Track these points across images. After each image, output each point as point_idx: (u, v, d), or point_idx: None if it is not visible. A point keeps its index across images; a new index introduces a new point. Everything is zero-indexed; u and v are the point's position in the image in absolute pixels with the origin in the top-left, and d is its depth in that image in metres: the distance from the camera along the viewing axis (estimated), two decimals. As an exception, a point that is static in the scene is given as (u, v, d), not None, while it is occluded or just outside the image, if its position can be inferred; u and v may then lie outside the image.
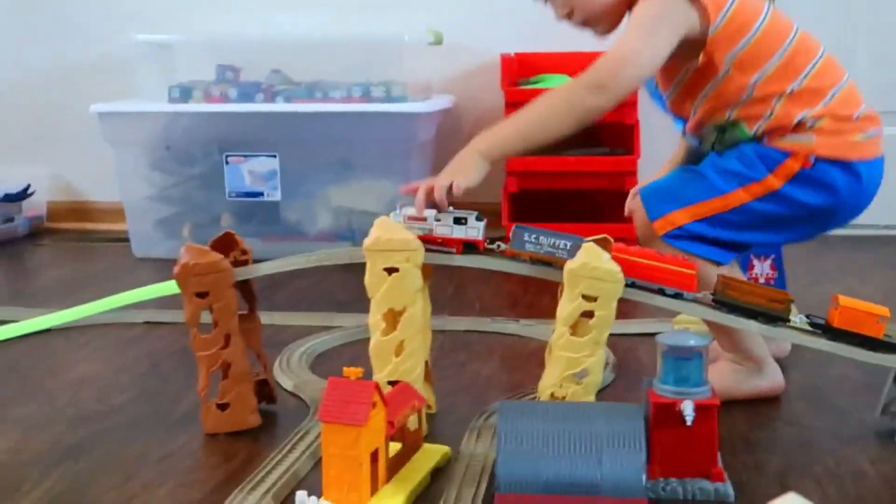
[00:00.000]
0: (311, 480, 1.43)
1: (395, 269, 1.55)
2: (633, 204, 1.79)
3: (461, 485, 1.38)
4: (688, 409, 1.33)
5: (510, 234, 1.57)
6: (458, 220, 1.56)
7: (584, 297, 1.51)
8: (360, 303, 2.38)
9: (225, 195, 2.91)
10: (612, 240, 1.58)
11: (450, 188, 1.61)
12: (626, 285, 1.52)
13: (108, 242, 3.19)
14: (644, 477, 1.26)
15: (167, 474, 1.47)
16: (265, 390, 1.70)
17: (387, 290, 1.55)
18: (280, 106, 2.85)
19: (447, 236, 1.57)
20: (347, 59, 3.00)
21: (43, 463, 1.51)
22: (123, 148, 2.95)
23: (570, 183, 2.92)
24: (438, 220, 1.57)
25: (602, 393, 1.70)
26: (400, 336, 1.57)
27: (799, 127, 1.66)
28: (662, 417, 1.36)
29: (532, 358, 1.98)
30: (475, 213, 1.58)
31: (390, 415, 1.36)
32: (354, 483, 1.30)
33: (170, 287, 1.64)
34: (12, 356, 2.01)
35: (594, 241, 1.56)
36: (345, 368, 1.35)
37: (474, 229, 1.56)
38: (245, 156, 2.87)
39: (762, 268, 2.15)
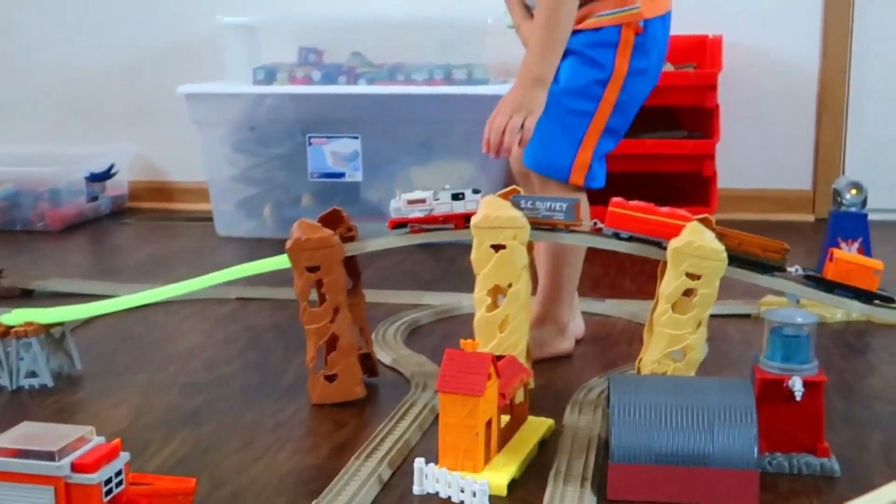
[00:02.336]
0: (422, 449, 1.48)
1: (502, 246, 1.59)
2: (530, 177, 1.84)
3: (570, 455, 1.42)
4: (797, 385, 1.36)
5: (510, 201, 1.61)
6: (455, 196, 1.63)
7: (687, 274, 1.55)
8: (443, 282, 2.46)
9: (307, 176, 2.97)
10: (712, 219, 1.61)
11: (521, 126, 1.66)
12: (624, 239, 1.59)
13: (189, 222, 3.27)
14: (756, 450, 1.29)
15: (283, 441, 1.52)
16: (368, 363, 1.76)
17: (493, 267, 1.59)
18: (363, 88, 2.90)
19: (448, 213, 1.63)
20: (429, 41, 3.04)
21: (165, 427, 1.57)
22: (208, 129, 3.02)
23: (648, 166, 2.94)
24: (437, 200, 1.63)
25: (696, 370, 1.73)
26: (505, 311, 1.61)
27: None
28: (770, 393, 1.39)
29: (622, 336, 2.02)
30: (472, 188, 1.65)
31: (502, 387, 1.40)
32: (470, 451, 1.35)
33: (280, 261, 1.69)
34: (120, 328, 2.08)
35: (698, 219, 1.59)
36: (462, 341, 1.39)
37: (472, 202, 1.62)
38: (328, 137, 2.92)
39: (849, 250, 2.16)
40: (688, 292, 1.56)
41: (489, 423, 1.37)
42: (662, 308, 1.57)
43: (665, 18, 1.79)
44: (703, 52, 3.08)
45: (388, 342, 1.95)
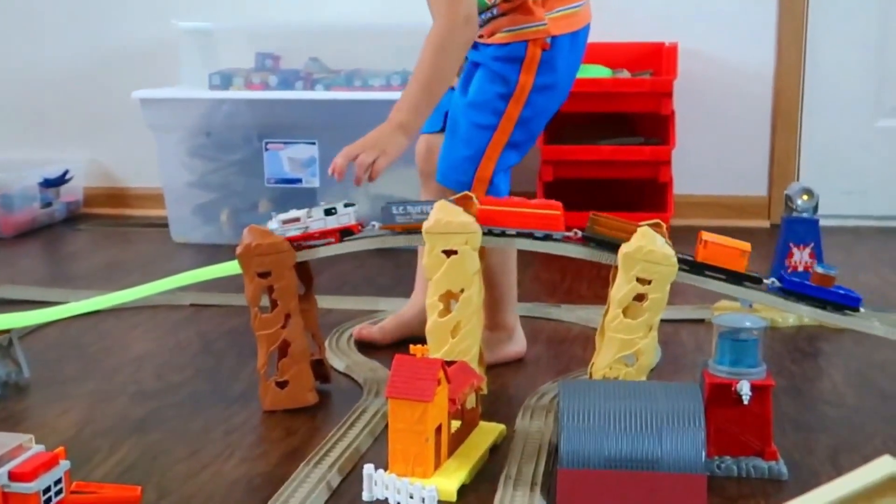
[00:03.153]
0: (372, 455, 1.47)
1: (454, 252, 1.59)
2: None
3: (521, 461, 1.42)
4: (745, 389, 1.37)
5: (381, 212, 1.64)
6: (328, 212, 1.65)
7: (638, 279, 1.55)
8: (399, 287, 2.45)
9: (263, 181, 2.95)
10: (663, 224, 1.62)
11: (371, 164, 1.67)
12: (495, 234, 1.59)
13: (145, 228, 3.24)
14: (703, 454, 1.30)
15: (232, 448, 1.51)
16: (320, 370, 1.75)
17: (445, 272, 1.59)
18: (320, 94, 2.89)
19: (323, 229, 1.65)
20: (385, 46, 3.04)
21: (112, 436, 1.55)
22: (164, 134, 2.99)
23: (605, 172, 2.95)
24: (311, 217, 1.65)
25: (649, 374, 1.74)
26: (457, 317, 1.60)
27: (527, 10, 1.74)
28: (718, 397, 1.40)
29: (576, 341, 2.02)
30: (343, 202, 1.66)
31: (452, 392, 1.40)
32: (420, 457, 1.34)
33: (230, 267, 1.68)
34: (70, 335, 2.05)
35: (648, 225, 1.59)
36: (411, 346, 1.39)
37: (346, 216, 1.65)
38: (285, 142, 2.91)
39: (801, 255, 2.18)
40: (639, 297, 1.57)
41: (439, 429, 1.36)
42: (613, 313, 1.57)
43: (576, 35, 1.79)
44: (660, 59, 3.10)
45: (342, 348, 1.94)
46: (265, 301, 1.65)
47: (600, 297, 2.27)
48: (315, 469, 1.40)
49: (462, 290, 1.60)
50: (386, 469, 1.35)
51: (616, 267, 1.60)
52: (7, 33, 3.44)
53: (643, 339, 1.57)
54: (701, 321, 2.13)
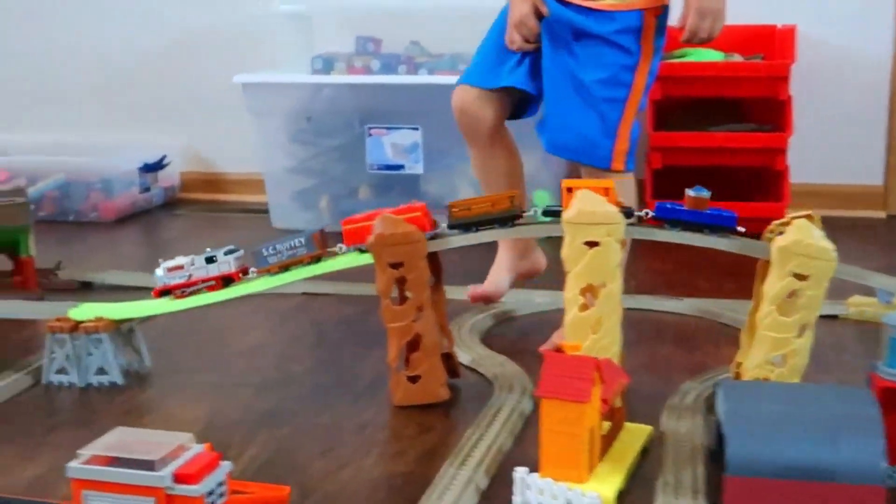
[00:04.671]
0: (517, 456, 1.40)
1: (596, 243, 1.51)
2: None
3: (676, 466, 1.34)
4: (924, 395, 1.27)
5: (253, 256, 1.68)
6: (209, 260, 1.68)
7: (794, 275, 1.46)
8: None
9: (364, 167, 2.89)
10: (816, 216, 1.53)
11: None
12: (364, 251, 1.60)
13: (241, 213, 3.21)
14: (884, 463, 1.21)
15: (368, 445, 1.46)
16: (449, 364, 1.68)
17: (586, 265, 1.52)
18: (424, 78, 2.83)
19: (205, 276, 1.68)
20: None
21: (241, 430, 1.51)
22: (264, 119, 2.95)
23: (717, 159, 2.84)
24: (193, 265, 1.68)
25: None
26: (598, 312, 1.53)
27: None
28: (892, 402, 1.31)
29: (707, 337, 1.93)
30: (224, 249, 1.69)
31: (604, 392, 1.33)
32: (574, 460, 1.27)
33: (361, 257, 1.62)
34: (182, 324, 2.00)
35: (803, 216, 1.51)
36: (562, 343, 1.32)
37: (225, 263, 1.67)
38: (387, 128, 2.85)
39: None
40: (792, 293, 1.48)
41: (592, 431, 1.29)
42: (766, 310, 1.48)
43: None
44: (772, 42, 2.98)
45: (465, 341, 1.87)
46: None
47: (721, 291, 2.20)
48: (460, 470, 1.33)
49: (604, 284, 1.52)
50: (535, 472, 1.28)
51: (764, 261, 1.52)
52: (106, 16, 3.43)
53: (797, 338, 1.48)
54: (835, 317, 2.02)
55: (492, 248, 2.05)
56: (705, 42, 1.74)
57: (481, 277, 2.09)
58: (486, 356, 1.80)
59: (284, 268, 1.66)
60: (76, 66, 3.47)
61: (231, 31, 3.32)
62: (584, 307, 1.53)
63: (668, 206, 1.58)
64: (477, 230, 1.62)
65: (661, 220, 1.58)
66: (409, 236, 1.56)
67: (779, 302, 1.48)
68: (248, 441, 1.46)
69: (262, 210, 3.09)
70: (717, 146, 2.82)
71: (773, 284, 1.48)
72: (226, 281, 1.68)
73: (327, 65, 2.91)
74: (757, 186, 2.93)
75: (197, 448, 1.00)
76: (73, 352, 1.69)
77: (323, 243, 1.65)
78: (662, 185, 2.87)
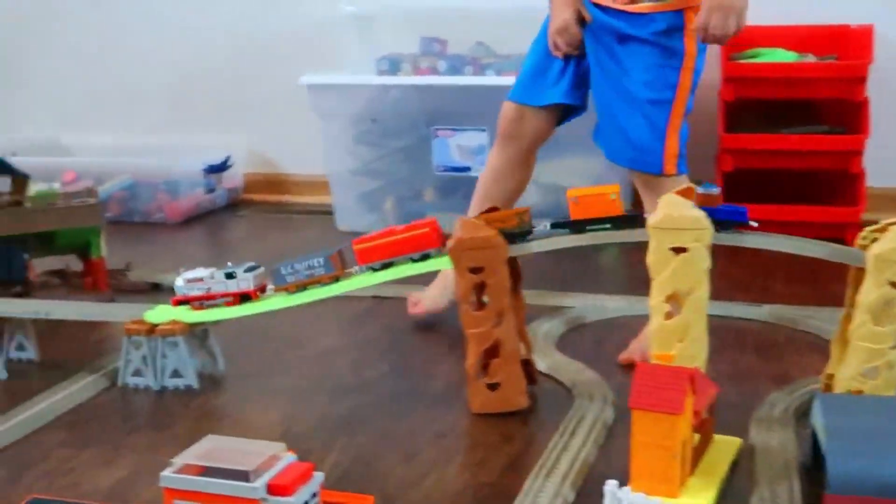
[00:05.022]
0: (602, 468, 1.37)
1: (683, 249, 1.47)
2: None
3: (771, 481, 1.30)
4: None
5: (272, 275, 1.68)
6: (229, 276, 1.68)
7: (891, 283, 1.41)
8: (580, 282, 2.33)
9: (430, 169, 2.87)
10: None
11: None
12: (376, 270, 1.61)
13: (305, 215, 3.20)
14: None
15: (449, 454, 1.43)
16: (528, 370, 1.65)
17: (673, 272, 1.47)
18: (491, 79, 2.79)
19: (223, 291, 1.68)
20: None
21: (320, 437, 1.49)
22: (330, 120, 2.94)
23: (790, 162, 2.77)
24: (213, 279, 1.68)
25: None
26: (685, 319, 1.48)
27: None
28: None
29: (788, 346, 1.88)
30: (245, 266, 1.69)
31: (696, 404, 1.28)
32: (666, 474, 1.23)
33: (440, 262, 1.59)
34: (253, 327, 1.98)
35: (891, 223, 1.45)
36: (655, 354, 1.28)
37: (245, 281, 1.67)
38: (454, 129, 2.82)
39: None
40: (888, 303, 1.42)
41: (684, 444, 1.25)
42: (860, 319, 1.43)
43: None
44: (846, 42, 2.91)
45: (540, 347, 1.84)
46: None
47: (799, 297, 2.14)
48: (546, 483, 1.30)
49: (691, 291, 1.48)
50: (625, 485, 1.24)
51: (856, 269, 1.46)
52: (172, 20, 3.44)
53: (893, 349, 1.43)
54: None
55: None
56: (721, 41, 1.69)
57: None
58: (563, 363, 1.76)
59: (302, 287, 1.65)
60: (143, 69, 3.48)
61: (295, 33, 3.31)
62: (670, 315, 1.49)
63: None
64: (554, 235, 1.59)
65: None
66: (490, 240, 1.53)
67: (874, 312, 1.42)
68: (327, 448, 1.44)
69: (326, 212, 3.08)
70: (790, 148, 2.75)
71: (869, 293, 1.42)
72: (243, 298, 1.68)
73: (393, 66, 2.89)
74: (830, 190, 2.85)
75: (289, 458, 0.98)
76: (150, 354, 1.68)
77: (341, 264, 1.65)
78: (733, 188, 2.82)
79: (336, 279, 1.65)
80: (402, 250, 1.61)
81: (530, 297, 2.15)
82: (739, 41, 3.01)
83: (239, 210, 3.30)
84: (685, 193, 1.52)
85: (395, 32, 3.14)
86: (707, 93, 3.00)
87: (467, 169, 2.84)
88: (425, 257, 1.61)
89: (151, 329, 1.68)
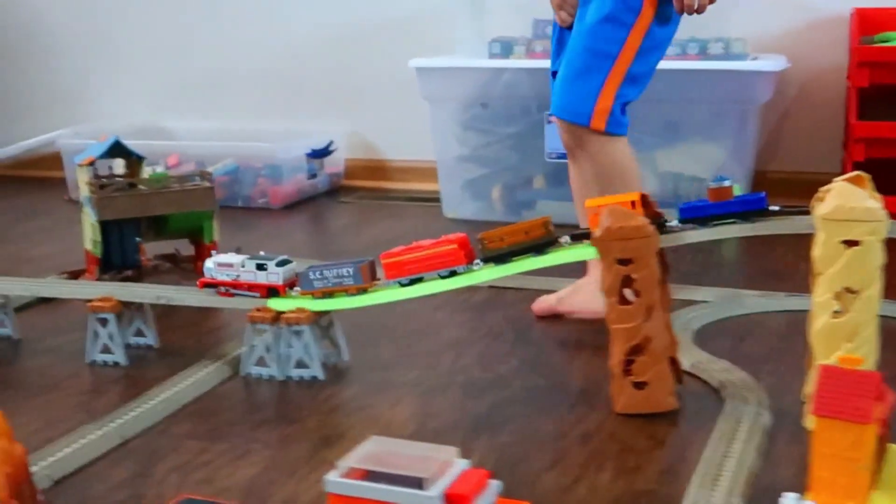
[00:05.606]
0: (768, 478, 1.26)
1: (855, 243, 1.36)
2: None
3: (961, 497, 1.18)
4: None
5: (299, 278, 1.63)
6: (260, 266, 1.63)
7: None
8: (708, 276, 2.21)
9: (541, 156, 2.77)
10: None
11: None
12: (404, 285, 1.58)
13: (408, 202, 3.12)
14: None
15: (599, 457, 1.34)
16: (673, 369, 1.55)
17: (844, 267, 1.36)
18: (609, 63, 2.68)
19: (251, 282, 1.64)
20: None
21: (458, 435, 1.41)
22: (439, 105, 2.86)
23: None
24: (243, 267, 1.64)
25: None
26: (854, 319, 1.37)
27: None
28: None
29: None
30: (277, 259, 1.65)
31: (881, 411, 1.17)
32: (852, 488, 1.12)
33: (581, 252, 1.50)
34: (372, 316, 1.89)
35: None
36: (840, 357, 1.17)
37: (275, 274, 1.63)
38: (568, 115, 2.72)
39: None
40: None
41: (871, 455, 1.14)
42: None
43: None
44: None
45: (681, 344, 1.73)
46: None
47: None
48: (713, 493, 1.20)
49: (862, 288, 1.36)
50: (802, 497, 1.14)
51: None
52: (279, 4, 3.39)
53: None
54: None
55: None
56: (699, 10, 1.69)
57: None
58: (707, 361, 1.66)
59: (328, 294, 1.61)
60: (247, 54, 3.44)
61: (404, 16, 3.24)
62: (839, 313, 1.38)
63: (692, 204, 1.51)
64: (714, 225, 1.49)
65: (689, 222, 1.52)
66: (641, 230, 1.43)
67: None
68: (468, 448, 1.36)
69: (429, 199, 3.01)
70: (928, 137, 2.59)
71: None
72: (270, 291, 1.64)
73: (506, 49, 2.80)
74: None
75: (462, 464, 0.89)
76: (273, 343, 1.62)
77: (371, 276, 1.61)
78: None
79: (364, 291, 1.61)
80: (429, 267, 1.56)
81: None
82: (867, 25, 2.87)
83: (339, 196, 3.24)
84: (722, 194, 1.48)
85: (508, 15, 3.04)
86: (830, 78, 2.86)
87: (581, 156, 2.73)
88: (452, 274, 1.56)
89: (276, 317, 1.62)
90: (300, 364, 1.63)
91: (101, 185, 2.09)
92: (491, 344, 1.80)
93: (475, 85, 2.83)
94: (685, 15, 1.75)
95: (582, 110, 1.74)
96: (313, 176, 3.22)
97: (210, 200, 2.14)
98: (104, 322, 1.70)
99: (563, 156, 2.74)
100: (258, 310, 1.63)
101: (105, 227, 2.11)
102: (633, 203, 1.47)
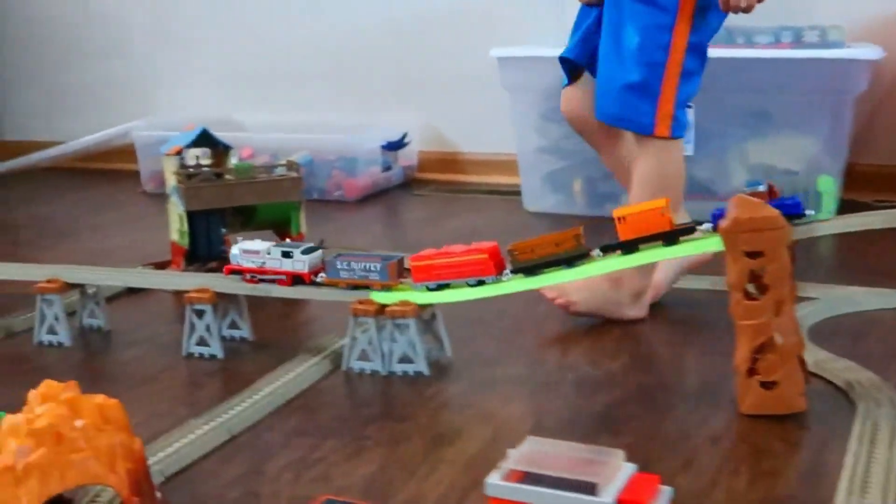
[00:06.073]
0: (918, 485, 1.18)
1: None
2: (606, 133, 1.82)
3: None
4: None
5: (326, 265, 1.61)
6: (286, 254, 1.61)
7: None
8: (813, 272, 2.12)
9: (625, 148, 2.69)
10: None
11: None
12: (431, 289, 1.55)
13: (486, 195, 3.06)
14: None
15: (732, 461, 1.27)
16: (801, 368, 1.47)
17: None
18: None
19: (277, 269, 1.62)
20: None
21: (577, 435, 1.34)
22: (519, 95, 2.79)
23: None
24: (269, 254, 1.62)
25: None
26: None
27: None
28: None
29: None
30: (303, 246, 1.63)
31: None
32: None
33: (706, 244, 1.43)
34: (464, 310, 1.82)
35: None
36: None
37: (300, 262, 1.61)
38: (655, 105, 2.64)
39: None
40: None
41: None
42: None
43: None
44: None
45: (796, 342, 1.65)
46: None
47: None
48: (863, 500, 1.13)
49: None
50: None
51: None
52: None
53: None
54: None
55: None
56: (746, 10, 1.63)
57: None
58: (829, 359, 1.58)
59: (353, 286, 1.59)
60: (319, 46, 3.41)
61: (474, 6, 3.18)
62: None
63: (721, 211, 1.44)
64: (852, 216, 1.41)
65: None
66: (773, 221, 1.36)
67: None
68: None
69: (506, 192, 2.96)
70: None
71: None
72: (295, 279, 1.62)
73: (589, 38, 2.72)
74: None
75: (630, 467, 0.83)
76: (377, 337, 1.57)
77: (398, 274, 1.59)
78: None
79: (388, 288, 1.58)
80: (458, 274, 1.54)
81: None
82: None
83: (414, 189, 3.19)
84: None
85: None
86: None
87: (669, 148, 2.65)
88: (480, 283, 1.53)
89: (380, 310, 1.57)
90: (404, 359, 1.57)
91: (189, 174, 2.05)
92: (594, 340, 1.73)
93: (556, 75, 2.75)
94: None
95: (645, 121, 1.69)
96: (388, 168, 3.18)
97: (297, 191, 2.10)
98: (200, 314, 1.67)
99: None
100: (361, 302, 1.58)
101: (192, 217, 2.07)
102: (661, 209, 1.44)
